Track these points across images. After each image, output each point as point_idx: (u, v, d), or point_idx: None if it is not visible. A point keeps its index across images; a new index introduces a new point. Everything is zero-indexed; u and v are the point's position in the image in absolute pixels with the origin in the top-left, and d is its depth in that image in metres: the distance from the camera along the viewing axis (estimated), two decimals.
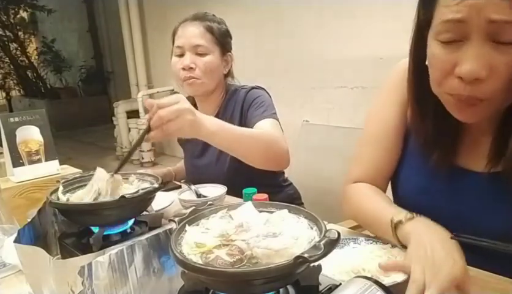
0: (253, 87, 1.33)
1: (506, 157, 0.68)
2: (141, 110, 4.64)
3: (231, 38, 1.37)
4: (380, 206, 0.79)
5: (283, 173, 1.48)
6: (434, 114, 0.75)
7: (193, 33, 1.27)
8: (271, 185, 1.34)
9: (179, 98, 0.88)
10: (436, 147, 0.77)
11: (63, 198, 0.72)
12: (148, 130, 0.85)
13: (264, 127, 1.18)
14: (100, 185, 0.72)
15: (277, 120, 1.22)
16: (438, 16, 0.64)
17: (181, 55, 1.28)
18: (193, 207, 0.60)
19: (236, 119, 1.30)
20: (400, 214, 0.71)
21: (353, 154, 0.94)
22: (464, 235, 0.65)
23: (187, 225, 0.57)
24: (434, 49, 0.66)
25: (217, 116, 1.35)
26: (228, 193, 1.11)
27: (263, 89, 1.35)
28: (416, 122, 0.80)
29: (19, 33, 7.99)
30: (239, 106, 1.30)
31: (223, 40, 1.32)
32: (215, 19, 1.33)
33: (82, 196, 0.72)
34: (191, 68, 1.25)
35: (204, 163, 1.36)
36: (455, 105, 0.66)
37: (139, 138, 0.86)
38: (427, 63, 0.70)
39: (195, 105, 1.43)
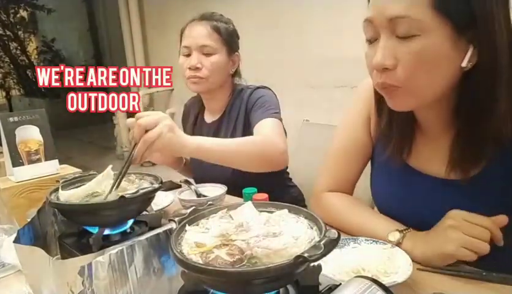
0: (258, 87, 1.33)
1: (462, 165, 0.73)
2: (141, 110, 4.63)
3: (238, 37, 1.37)
4: (368, 220, 0.85)
5: (288, 173, 1.47)
6: (389, 110, 0.81)
7: (200, 34, 1.27)
8: (276, 186, 1.34)
9: (159, 114, 0.91)
10: (390, 142, 0.83)
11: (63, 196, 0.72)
12: (134, 145, 0.86)
13: (262, 127, 1.18)
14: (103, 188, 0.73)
15: (279, 119, 1.22)
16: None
17: (188, 55, 1.28)
18: (193, 207, 0.60)
19: (241, 118, 1.30)
20: (394, 234, 0.76)
21: (322, 165, 1.01)
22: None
23: (187, 225, 0.57)
24: (365, 49, 0.73)
25: (223, 115, 1.36)
26: (233, 193, 1.11)
27: (268, 88, 1.34)
28: (376, 119, 0.87)
29: (19, 32, 7.99)
30: (244, 106, 1.30)
31: (230, 40, 1.31)
32: (223, 19, 1.33)
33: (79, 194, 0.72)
34: (197, 68, 1.26)
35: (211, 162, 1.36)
36: (383, 93, 0.73)
37: (129, 156, 0.83)
38: None
39: (202, 105, 1.44)
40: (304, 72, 3.16)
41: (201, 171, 1.40)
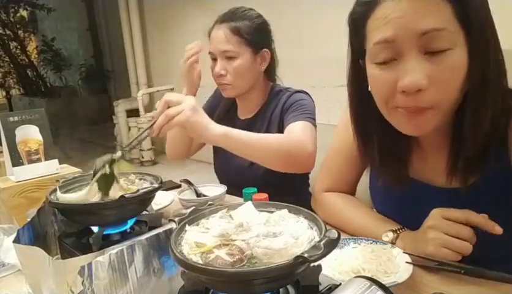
0: (297, 91, 1.30)
1: (460, 173, 0.72)
2: (141, 109, 4.63)
3: (267, 31, 1.32)
4: (366, 220, 0.85)
5: (308, 178, 1.46)
6: (377, 139, 0.78)
7: (219, 39, 1.24)
8: (300, 191, 1.34)
9: (186, 96, 0.96)
10: (384, 170, 0.81)
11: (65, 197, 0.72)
12: (153, 123, 0.91)
13: (293, 129, 1.15)
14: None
15: (312, 123, 1.19)
16: (370, 40, 0.66)
17: (215, 59, 1.27)
18: (193, 207, 0.60)
19: (276, 120, 1.27)
20: (387, 234, 0.77)
21: (322, 164, 1.01)
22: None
23: (187, 225, 0.57)
24: (373, 71, 0.68)
25: (257, 115, 1.33)
26: None
27: (306, 93, 1.31)
28: (361, 151, 0.83)
29: (19, 32, 7.98)
30: (280, 108, 1.27)
31: (254, 38, 1.26)
32: (246, 15, 1.28)
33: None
34: (221, 75, 1.24)
35: (238, 165, 1.29)
36: (405, 116, 0.66)
37: (145, 129, 0.92)
38: (369, 89, 0.72)
39: (234, 102, 1.41)
40: (304, 72, 3.15)
41: (227, 174, 1.36)
